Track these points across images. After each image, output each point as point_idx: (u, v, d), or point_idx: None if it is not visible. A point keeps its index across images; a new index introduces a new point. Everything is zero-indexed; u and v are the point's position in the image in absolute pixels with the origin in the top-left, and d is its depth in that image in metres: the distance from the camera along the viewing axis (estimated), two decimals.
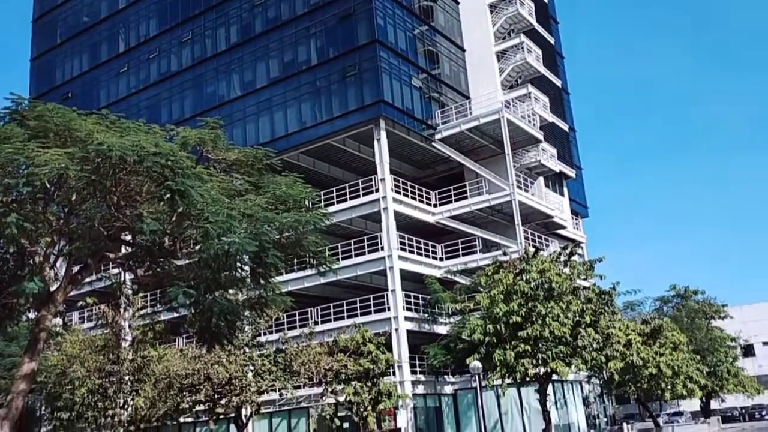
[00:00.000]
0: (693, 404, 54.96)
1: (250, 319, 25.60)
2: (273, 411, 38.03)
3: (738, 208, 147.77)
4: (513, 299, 28.60)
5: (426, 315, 37.55)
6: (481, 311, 30.48)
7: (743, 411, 62.41)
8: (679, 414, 56.79)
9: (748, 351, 62.44)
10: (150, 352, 35.13)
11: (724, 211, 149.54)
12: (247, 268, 18.17)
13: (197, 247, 16.14)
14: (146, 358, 34.85)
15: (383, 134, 38.75)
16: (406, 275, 37.46)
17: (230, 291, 19.22)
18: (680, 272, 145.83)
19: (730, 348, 50.80)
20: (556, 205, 47.35)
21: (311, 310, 38.48)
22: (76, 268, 18.17)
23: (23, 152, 14.68)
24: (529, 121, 44.33)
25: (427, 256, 39.81)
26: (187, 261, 17.80)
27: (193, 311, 18.28)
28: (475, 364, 28.04)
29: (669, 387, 34.59)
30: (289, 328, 36.43)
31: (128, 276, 34.31)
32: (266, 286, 18.21)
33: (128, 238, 18.57)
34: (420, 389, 36.63)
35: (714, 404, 55.22)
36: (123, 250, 19.90)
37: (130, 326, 37.24)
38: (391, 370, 33.21)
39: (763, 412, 61.30)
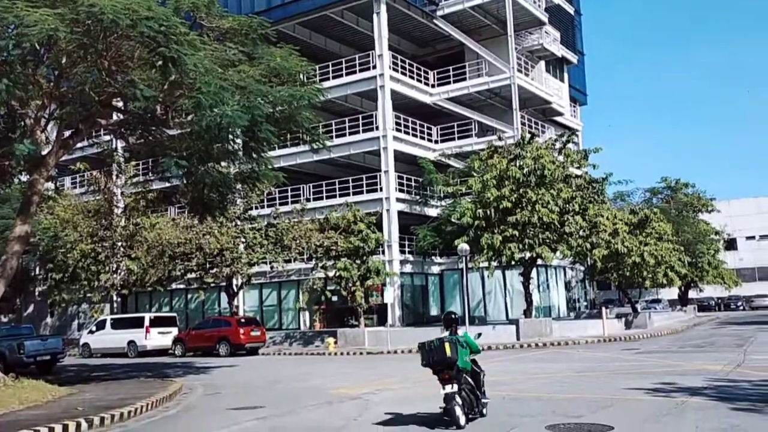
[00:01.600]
0: (671, 293, 56.72)
1: (241, 192, 25.70)
2: (263, 282, 39.01)
3: (737, 101, 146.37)
4: (505, 185, 28.72)
5: (417, 197, 37.82)
6: (473, 195, 30.69)
7: (719, 301, 64.63)
8: (657, 301, 58.72)
9: (731, 245, 63.84)
10: (142, 219, 35.53)
11: (723, 103, 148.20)
12: (239, 141, 18.03)
13: (189, 118, 15.92)
14: (138, 225, 35.27)
15: (383, 7, 37.49)
16: (399, 156, 37.39)
17: (222, 163, 19.17)
18: (672, 164, 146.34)
19: (713, 241, 51.86)
20: (555, 91, 46.68)
21: (303, 187, 38.64)
22: (67, 133, 17.99)
23: (12, 11, 14.10)
24: (534, 2, 42.86)
25: (422, 138, 39.58)
26: (179, 131, 17.62)
27: (185, 182, 18.31)
28: (463, 246, 28.54)
29: (650, 275, 35.47)
30: (280, 204, 36.75)
31: (120, 143, 34.10)
32: (258, 160, 18.12)
33: (120, 104, 18.26)
34: (408, 268, 37.48)
35: (692, 294, 57.03)
36: (114, 117, 19.62)
37: (122, 193, 37.45)
38: (380, 249, 33.82)
39: (738, 303, 63.54)
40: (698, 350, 22.24)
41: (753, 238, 69.64)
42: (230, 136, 16.50)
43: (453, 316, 10.93)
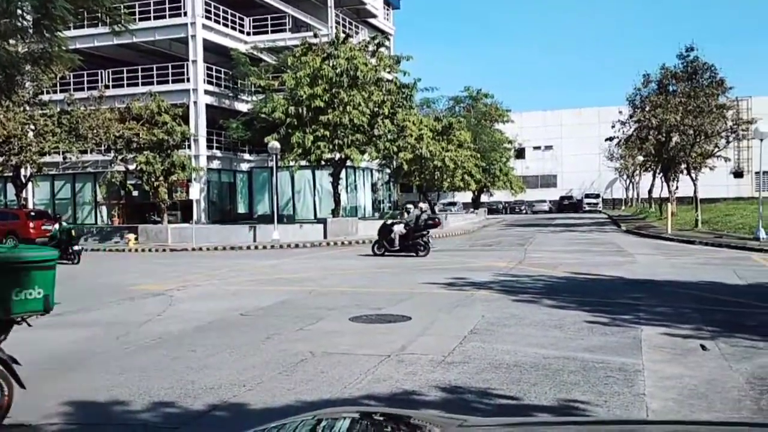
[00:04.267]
0: (465, 196, 60.77)
1: (32, 74, 23.24)
2: (56, 174, 36.27)
3: (536, 20, 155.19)
4: (318, 84, 28.63)
5: (227, 90, 36.57)
6: (285, 92, 30.30)
7: (506, 205, 70.52)
8: (453, 204, 62.65)
9: (520, 154, 69.06)
10: None
11: (524, 21, 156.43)
12: (30, 17, 16.18)
13: None
14: None
15: None
16: (209, 46, 35.69)
17: (10, 41, 17.15)
18: (475, 74, 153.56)
19: (506, 149, 55.83)
20: None
21: (102, 73, 35.82)
22: None
23: None
24: None
25: (233, 28, 37.92)
26: None
27: None
28: (273, 144, 28.33)
29: (449, 179, 37.65)
30: (76, 90, 33.85)
31: None
32: (52, 40, 16.41)
33: None
34: (215, 164, 36.62)
35: (483, 197, 61.52)
36: None
37: None
38: (186, 143, 32.62)
39: (522, 207, 69.84)
40: (487, 249, 24.28)
41: (539, 148, 75.79)
42: (19, 11, 14.73)
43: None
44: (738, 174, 60.04)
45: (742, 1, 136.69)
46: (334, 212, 31.64)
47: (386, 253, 21.10)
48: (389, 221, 21.92)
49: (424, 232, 21.11)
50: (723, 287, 13.10)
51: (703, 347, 7.90)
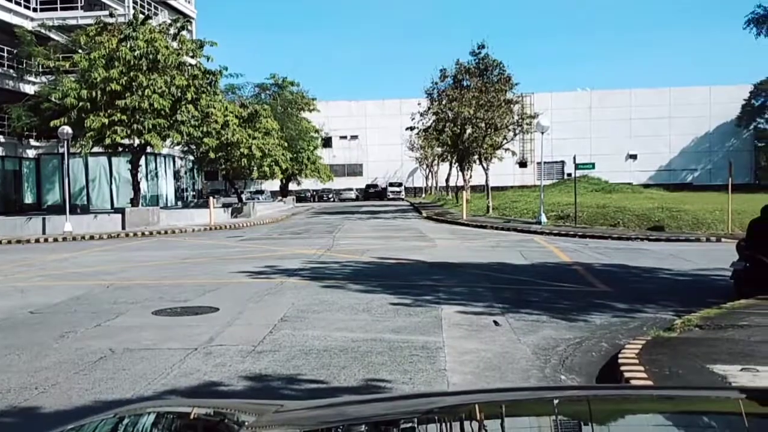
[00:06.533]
0: (273, 184, 60.52)
1: None
2: None
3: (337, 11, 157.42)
4: (114, 66, 26.98)
5: (12, 71, 33.34)
6: (78, 74, 28.23)
7: (315, 193, 71.26)
8: (261, 192, 62.15)
9: (327, 143, 69.97)
10: None
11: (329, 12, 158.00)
12: None
13: None
14: None
15: None
16: None
17: None
18: (281, 63, 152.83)
19: (313, 138, 56.29)
20: None
21: None
22: None
23: None
24: None
25: (18, 3, 34.58)
26: None
27: None
28: (64, 129, 26.33)
29: (257, 167, 37.25)
30: None
31: None
32: None
33: None
34: None
35: (291, 186, 61.62)
36: None
37: None
38: None
39: (330, 195, 70.98)
40: (296, 237, 24.37)
41: (345, 137, 77.24)
42: None
43: None
44: (522, 164, 65.33)
45: (525, 5, 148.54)
46: (134, 201, 30.06)
47: None
48: None
49: None
50: (511, 267, 14.27)
51: (495, 323, 8.57)
